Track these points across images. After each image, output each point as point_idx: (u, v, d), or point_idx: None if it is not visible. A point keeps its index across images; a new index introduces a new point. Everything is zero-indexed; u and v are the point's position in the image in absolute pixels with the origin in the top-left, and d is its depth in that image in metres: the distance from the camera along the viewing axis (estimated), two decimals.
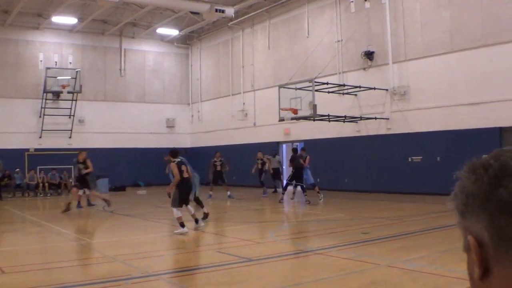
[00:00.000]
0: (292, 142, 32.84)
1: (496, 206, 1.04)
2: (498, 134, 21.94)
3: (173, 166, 14.71)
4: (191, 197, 16.22)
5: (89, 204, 23.04)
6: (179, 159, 15.06)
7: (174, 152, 15.41)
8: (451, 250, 9.99)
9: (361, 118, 26.80)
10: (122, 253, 11.28)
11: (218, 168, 26.36)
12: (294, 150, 24.10)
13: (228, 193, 25.88)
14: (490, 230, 1.05)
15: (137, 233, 15.05)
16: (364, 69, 27.85)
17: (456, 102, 23.52)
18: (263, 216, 20.65)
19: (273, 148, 31.08)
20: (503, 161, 1.08)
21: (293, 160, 23.07)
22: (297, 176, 23.00)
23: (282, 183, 27.51)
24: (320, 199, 22.64)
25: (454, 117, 23.56)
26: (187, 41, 42.30)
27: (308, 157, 23.54)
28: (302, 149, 24.39)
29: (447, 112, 23.86)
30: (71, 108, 36.62)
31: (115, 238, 14.18)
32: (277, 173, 28.89)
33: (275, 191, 28.79)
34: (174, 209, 14.47)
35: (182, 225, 14.11)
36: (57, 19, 34.42)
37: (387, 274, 8.94)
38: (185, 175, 14.74)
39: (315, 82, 24.25)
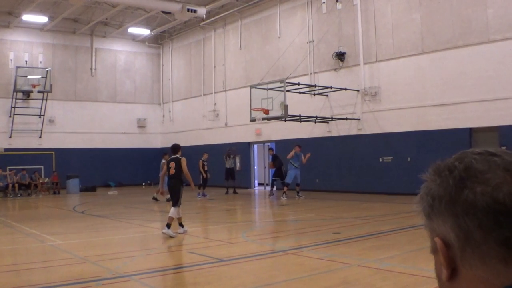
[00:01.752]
0: (264, 142, 32.94)
1: (461, 207, 1.05)
2: (468, 134, 22.20)
3: (184, 160, 14.39)
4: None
5: None
6: (172, 157, 14.71)
7: (176, 147, 14.98)
8: (421, 250, 10.07)
9: (332, 119, 26.91)
10: (93, 254, 11.19)
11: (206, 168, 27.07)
12: (272, 150, 26.76)
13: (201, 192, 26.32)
14: (456, 232, 1.06)
15: (108, 234, 14.95)
16: (335, 69, 27.97)
17: (427, 103, 23.74)
18: (234, 216, 20.63)
19: (230, 147, 31.09)
20: (468, 163, 1.09)
21: (275, 160, 25.83)
22: (279, 174, 25.73)
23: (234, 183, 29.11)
24: (301, 196, 24.34)
25: (425, 117, 23.78)
26: (158, 40, 42.15)
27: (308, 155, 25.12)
28: (298, 146, 25.16)
29: (418, 112, 24.08)
30: (41, 108, 36.26)
31: (86, 239, 14.05)
32: (231, 173, 29.10)
33: (227, 192, 28.96)
34: (178, 208, 14.13)
35: (169, 226, 13.73)
36: (27, 17, 34.06)
37: (358, 273, 8.98)
38: (172, 172, 14.36)
39: (287, 82, 24.29)
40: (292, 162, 24.65)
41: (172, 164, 14.38)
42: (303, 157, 24.95)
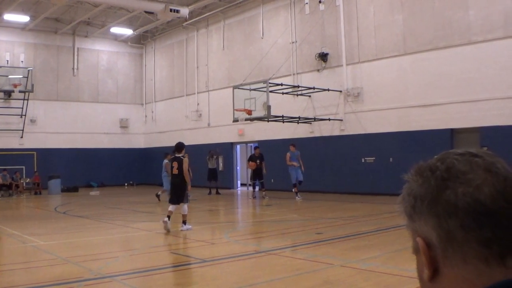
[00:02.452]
0: (246, 142, 32.93)
1: (443, 208, 1.06)
2: (450, 135, 22.35)
3: (186, 161, 15.03)
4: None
5: None
6: (175, 156, 15.39)
7: (180, 146, 15.55)
8: (403, 250, 10.13)
9: (315, 119, 26.97)
10: (75, 255, 11.12)
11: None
12: (258, 148, 26.56)
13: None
14: (438, 232, 1.07)
15: (91, 235, 14.87)
16: (318, 70, 28.03)
17: (409, 103, 23.87)
18: (217, 217, 20.62)
19: (213, 148, 31.02)
20: (449, 163, 1.10)
21: (263, 160, 25.86)
22: (259, 174, 25.84)
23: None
24: (299, 198, 23.86)
25: (407, 118, 23.90)
26: (141, 40, 42.01)
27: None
28: (292, 145, 25.03)
29: (400, 113, 24.19)
30: (22, 108, 35.99)
31: (67, 240, 13.96)
32: (213, 174, 29.02)
33: (210, 193, 28.92)
34: (185, 205, 14.94)
35: (185, 222, 14.70)
36: (9, 16, 33.77)
37: (340, 273, 9.01)
38: (175, 171, 14.96)
39: (270, 83, 24.28)
40: (291, 162, 24.49)
41: (175, 164, 15.02)
42: (299, 156, 24.69)
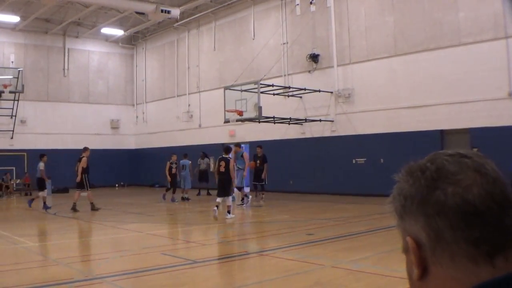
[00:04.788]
0: (238, 143, 32.87)
1: (433, 208, 1.07)
2: (440, 136, 22.43)
3: (232, 161, 18.34)
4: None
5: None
6: (223, 156, 18.23)
7: (228, 148, 18.99)
8: (394, 251, 10.13)
9: (306, 120, 27.00)
10: (65, 256, 11.09)
11: (174, 171, 25.80)
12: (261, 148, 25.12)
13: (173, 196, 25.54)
14: (427, 232, 1.08)
15: (81, 236, 14.85)
16: (309, 71, 28.07)
17: (399, 105, 23.95)
18: (208, 218, 20.58)
19: (204, 150, 30.94)
20: (439, 164, 1.11)
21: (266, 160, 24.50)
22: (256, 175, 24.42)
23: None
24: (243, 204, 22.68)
25: (397, 119, 23.97)
26: (132, 41, 41.94)
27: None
28: (237, 145, 23.37)
29: (390, 114, 24.26)
30: (12, 108, 35.83)
31: (58, 241, 13.92)
32: (204, 175, 28.91)
33: (199, 194, 28.84)
34: (229, 198, 17.84)
35: (229, 212, 17.45)
36: None
37: (331, 274, 9.02)
38: (222, 169, 17.71)
39: (261, 84, 24.28)
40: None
41: (222, 163, 17.84)
42: (245, 157, 22.96)
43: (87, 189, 21.57)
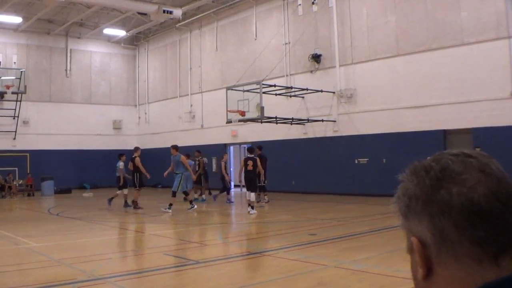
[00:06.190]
0: (240, 144, 32.91)
1: (437, 207, 1.06)
2: (442, 136, 22.40)
3: (259, 160, 20.20)
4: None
5: (126, 205, 22.75)
6: (249, 156, 20.08)
7: (252, 149, 20.83)
8: (397, 251, 10.13)
9: (308, 120, 26.99)
10: (68, 257, 11.09)
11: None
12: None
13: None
14: (432, 231, 1.07)
15: (84, 236, 14.83)
16: (311, 71, 28.06)
17: (402, 105, 23.92)
18: (210, 218, 20.59)
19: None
20: (444, 164, 1.11)
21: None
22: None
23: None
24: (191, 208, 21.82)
25: (400, 119, 23.95)
26: (134, 42, 41.96)
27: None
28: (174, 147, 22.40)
29: (393, 114, 24.24)
30: (15, 109, 35.91)
31: (61, 241, 13.92)
32: (204, 176, 28.73)
33: (201, 194, 28.63)
34: (253, 194, 19.47)
35: (253, 207, 19.03)
36: (1, 17, 33.61)
37: (334, 275, 9.01)
38: (250, 168, 19.67)
39: (263, 84, 24.28)
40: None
41: (250, 162, 19.75)
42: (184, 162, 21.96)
43: (138, 188, 22.28)
